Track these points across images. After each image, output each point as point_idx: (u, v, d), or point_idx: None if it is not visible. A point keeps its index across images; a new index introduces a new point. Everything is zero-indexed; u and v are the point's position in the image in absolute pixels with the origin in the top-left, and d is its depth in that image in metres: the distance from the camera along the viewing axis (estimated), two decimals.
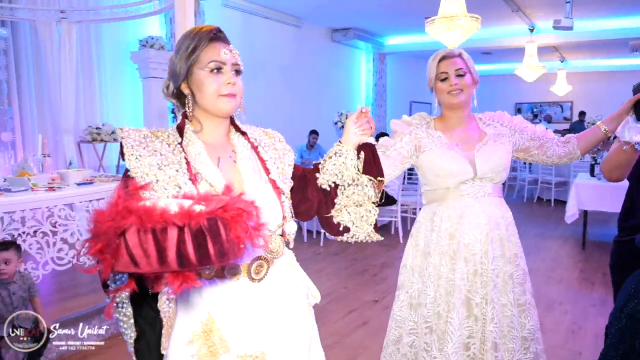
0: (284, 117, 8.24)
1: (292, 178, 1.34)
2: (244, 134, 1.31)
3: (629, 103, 1.71)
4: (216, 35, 1.20)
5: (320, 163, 1.38)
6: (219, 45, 1.19)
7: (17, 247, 2.62)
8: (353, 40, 9.69)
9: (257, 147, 1.30)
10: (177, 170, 1.12)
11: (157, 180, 1.10)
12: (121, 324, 1.09)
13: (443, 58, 1.82)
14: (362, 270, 4.60)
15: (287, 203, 1.27)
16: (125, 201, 0.84)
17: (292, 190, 1.32)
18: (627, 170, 1.77)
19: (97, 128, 5.07)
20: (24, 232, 2.75)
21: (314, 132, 7.49)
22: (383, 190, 1.37)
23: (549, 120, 13.13)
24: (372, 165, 1.35)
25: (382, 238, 1.42)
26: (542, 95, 13.68)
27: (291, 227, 1.26)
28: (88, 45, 5.49)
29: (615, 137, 1.75)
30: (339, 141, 1.37)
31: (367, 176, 1.34)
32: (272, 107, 8.11)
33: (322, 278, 4.37)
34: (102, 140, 5.10)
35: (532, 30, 8.67)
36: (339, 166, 1.33)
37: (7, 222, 2.66)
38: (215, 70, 1.17)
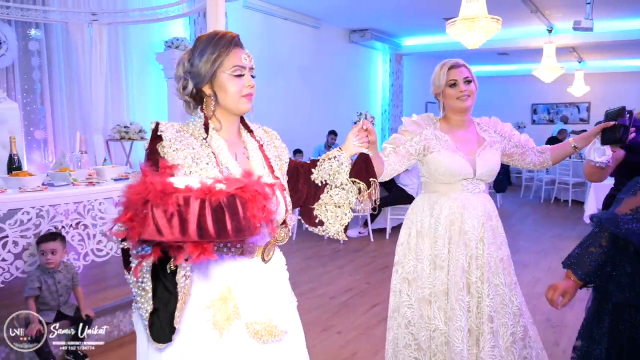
0: (303, 117, 8.37)
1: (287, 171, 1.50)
2: (251, 131, 1.44)
3: (598, 128, 2.01)
4: (238, 42, 1.33)
5: (317, 160, 1.54)
6: (239, 51, 1.32)
7: (62, 239, 2.76)
8: (370, 41, 9.78)
9: (262, 146, 1.43)
10: (207, 163, 1.25)
11: (191, 172, 1.21)
12: (139, 298, 1.14)
13: (452, 67, 2.04)
14: (383, 266, 4.68)
15: (288, 198, 1.41)
16: (152, 176, 0.95)
17: (287, 181, 1.48)
18: (603, 177, 2.18)
19: (125, 127, 5.23)
20: (67, 225, 2.89)
21: (332, 133, 7.60)
22: (376, 199, 1.52)
23: (565, 121, 13.06)
24: (361, 171, 1.51)
25: (347, 239, 1.62)
26: (559, 96, 13.61)
27: (292, 219, 1.42)
28: (116, 47, 5.65)
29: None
30: (339, 148, 1.55)
31: (356, 182, 1.50)
32: (292, 107, 8.23)
33: (344, 274, 4.47)
34: (129, 139, 5.26)
35: (550, 31, 8.67)
36: (334, 169, 1.50)
37: (52, 215, 2.80)
38: (237, 74, 1.30)
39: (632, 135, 1.97)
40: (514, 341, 1.99)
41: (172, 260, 1.05)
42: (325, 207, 1.51)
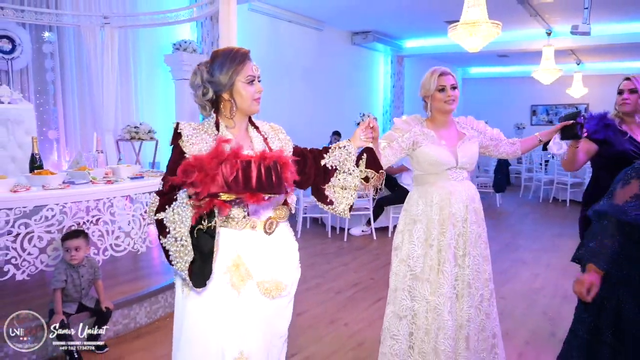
0: (306, 117, 8.51)
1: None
2: (257, 128, 1.74)
3: (559, 126, 2.45)
4: (249, 56, 1.65)
5: (328, 148, 1.83)
6: (250, 64, 1.63)
7: (86, 235, 2.90)
8: (372, 43, 9.91)
9: (266, 139, 1.72)
10: None
11: None
12: (179, 254, 1.45)
13: (442, 74, 2.35)
14: (386, 263, 4.79)
15: None
16: (217, 148, 1.32)
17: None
18: (574, 168, 2.61)
19: (135, 127, 5.36)
20: (88, 221, 3.04)
21: (336, 133, 7.74)
22: (383, 179, 1.83)
23: None
24: (373, 163, 1.80)
25: (349, 217, 1.91)
26: (558, 97, 13.75)
27: (292, 199, 1.76)
28: (126, 49, 5.78)
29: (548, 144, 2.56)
30: (349, 139, 1.84)
31: (369, 171, 1.79)
32: (296, 108, 8.37)
33: (349, 270, 4.62)
34: (139, 139, 5.39)
35: (549, 34, 8.82)
36: (344, 156, 1.79)
37: (74, 212, 2.95)
38: (250, 82, 1.61)
39: (585, 133, 2.43)
40: (482, 301, 2.37)
41: (218, 214, 1.41)
42: (333, 188, 1.80)
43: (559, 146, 2.51)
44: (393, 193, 6.19)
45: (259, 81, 1.65)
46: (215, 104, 1.65)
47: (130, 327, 3.23)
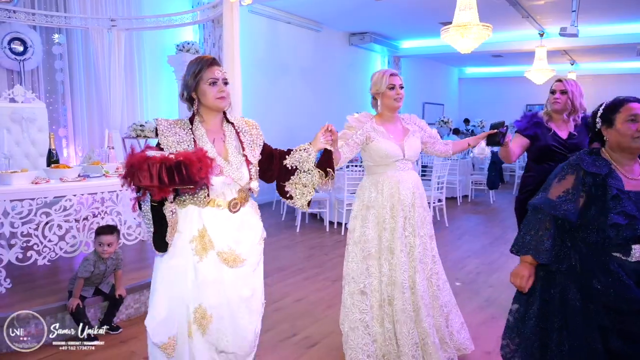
0: (305, 117, 8.74)
1: (261, 153, 2.04)
2: (232, 123, 2.00)
3: (485, 134, 2.83)
4: (212, 62, 1.90)
5: (291, 150, 2.08)
6: (214, 68, 1.89)
7: (118, 232, 3.12)
8: (369, 44, 10.15)
9: (239, 133, 1.98)
10: (187, 146, 1.85)
11: (177, 150, 1.80)
12: (147, 227, 1.80)
13: (392, 74, 2.62)
14: None
15: (254, 170, 1.97)
16: (143, 151, 1.59)
17: (261, 161, 2.04)
18: (510, 159, 2.98)
19: (141, 125, 5.59)
20: (102, 211, 3.27)
21: None
22: (332, 183, 2.12)
23: None
24: (326, 163, 2.08)
25: (308, 210, 2.20)
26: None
27: (254, 184, 1.98)
28: (131, 50, 6.01)
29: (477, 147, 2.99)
30: (309, 143, 2.08)
31: (318, 169, 2.05)
32: (294, 107, 8.61)
33: None
34: (145, 137, 5.61)
35: (542, 35, 9.06)
36: (303, 158, 2.05)
37: (90, 202, 3.17)
38: (212, 84, 1.87)
39: (509, 138, 2.84)
40: (432, 275, 2.68)
41: (152, 197, 1.68)
42: (294, 185, 2.07)
43: (480, 150, 2.95)
44: None
45: (224, 83, 1.90)
46: (191, 103, 1.93)
47: (141, 311, 3.44)
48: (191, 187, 1.64)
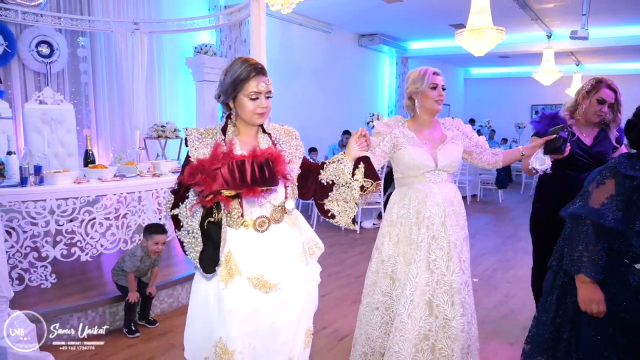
0: (316, 117, 8.88)
1: (300, 167, 1.84)
2: (268, 134, 1.80)
3: (543, 140, 2.37)
4: (260, 71, 1.69)
5: (325, 163, 1.88)
6: (259, 78, 1.68)
7: (166, 232, 3.25)
8: (378, 45, 10.27)
9: (276, 144, 1.78)
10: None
11: None
12: (191, 245, 1.62)
13: (435, 73, 2.34)
14: None
15: (290, 188, 1.77)
16: (214, 152, 1.48)
17: (299, 176, 1.84)
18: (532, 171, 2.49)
19: (162, 126, 5.72)
20: (139, 209, 3.40)
21: (346, 132, 8.10)
22: (381, 187, 1.98)
23: None
24: (370, 172, 1.86)
25: (357, 229, 2.10)
26: (558, 97, 14.09)
27: (290, 204, 1.79)
28: (150, 52, 6.14)
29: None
30: (343, 152, 1.87)
31: (362, 181, 1.83)
32: (307, 107, 8.74)
33: (365, 259, 4.97)
34: (165, 137, 5.74)
35: (549, 37, 9.18)
36: (338, 171, 1.83)
37: (129, 201, 3.31)
38: (254, 99, 1.68)
39: (568, 148, 2.37)
40: (464, 305, 2.30)
41: (221, 209, 1.58)
42: (336, 202, 1.86)
43: (541, 161, 2.40)
44: None
45: (267, 97, 1.71)
46: (227, 107, 1.75)
47: (174, 306, 3.58)
48: (272, 185, 1.50)
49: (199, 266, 1.63)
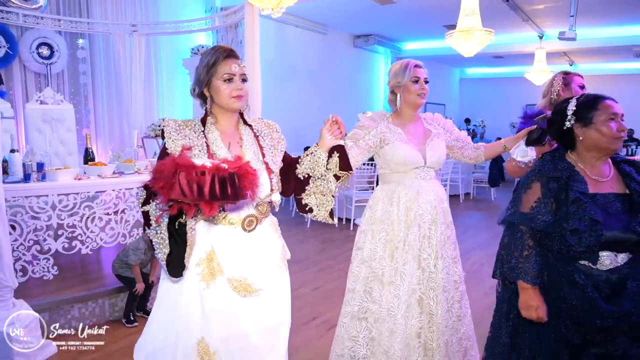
0: (312, 118, 8.98)
1: (282, 161, 1.78)
2: (250, 125, 1.75)
3: (525, 132, 2.22)
4: (230, 53, 1.64)
5: (299, 157, 1.81)
6: (231, 61, 1.63)
7: None
8: (373, 46, 10.42)
9: (258, 137, 1.73)
10: (199, 151, 1.59)
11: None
12: (158, 245, 1.53)
13: (417, 66, 2.25)
14: None
15: (275, 179, 1.71)
16: (179, 157, 1.34)
17: (280, 170, 1.77)
18: (523, 174, 2.18)
19: (159, 126, 5.85)
20: (137, 205, 3.52)
21: None
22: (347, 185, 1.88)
23: None
24: (344, 163, 1.79)
25: (336, 223, 1.94)
26: None
27: (276, 197, 1.72)
28: (148, 53, 6.27)
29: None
30: (316, 144, 1.78)
31: (336, 171, 1.77)
32: (302, 107, 8.88)
33: None
34: (163, 137, 5.88)
35: (541, 37, 9.33)
36: (313, 163, 1.77)
37: (127, 197, 3.44)
38: (227, 80, 1.62)
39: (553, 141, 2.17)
40: (452, 304, 2.27)
41: (185, 215, 1.47)
42: (313, 195, 1.79)
43: (523, 153, 2.30)
44: None
45: (242, 80, 1.64)
46: (204, 100, 1.68)
47: None
48: (234, 202, 1.41)
49: (165, 269, 1.56)
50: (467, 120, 14.84)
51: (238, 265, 1.63)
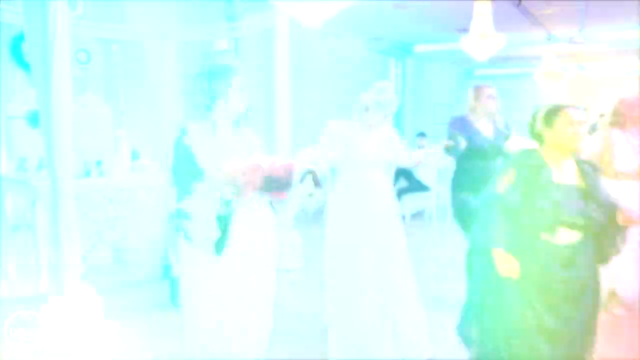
0: (324, 122, 9.19)
1: None
2: (244, 132, 2.13)
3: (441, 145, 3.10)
4: (237, 71, 2.04)
5: None
6: (237, 78, 2.03)
7: None
8: (386, 49, 10.62)
9: (247, 142, 2.13)
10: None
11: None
12: (197, 231, 1.89)
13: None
14: None
15: None
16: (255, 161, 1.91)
17: None
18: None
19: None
20: None
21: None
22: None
23: None
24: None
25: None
26: (559, 97, 14.41)
27: None
28: (177, 58, 6.56)
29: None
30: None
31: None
32: (315, 112, 9.09)
33: None
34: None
35: (549, 39, 9.52)
36: None
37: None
38: (234, 95, 2.03)
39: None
40: (406, 291, 2.75)
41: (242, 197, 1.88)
42: None
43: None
44: (409, 183, 6.96)
45: (244, 94, 2.00)
46: (211, 108, 1.98)
47: None
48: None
49: (211, 249, 1.88)
50: None
51: (239, 239, 2.00)
